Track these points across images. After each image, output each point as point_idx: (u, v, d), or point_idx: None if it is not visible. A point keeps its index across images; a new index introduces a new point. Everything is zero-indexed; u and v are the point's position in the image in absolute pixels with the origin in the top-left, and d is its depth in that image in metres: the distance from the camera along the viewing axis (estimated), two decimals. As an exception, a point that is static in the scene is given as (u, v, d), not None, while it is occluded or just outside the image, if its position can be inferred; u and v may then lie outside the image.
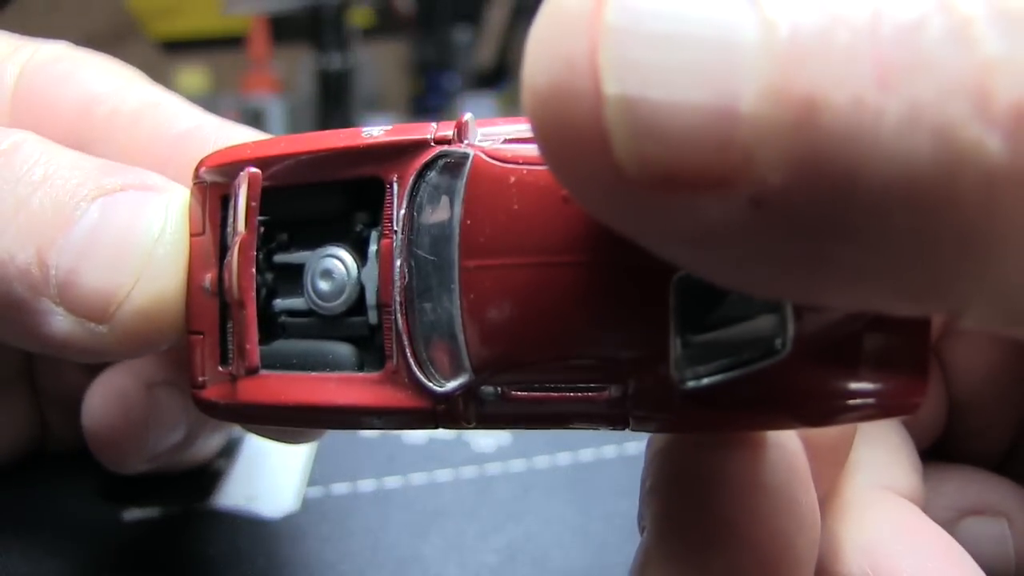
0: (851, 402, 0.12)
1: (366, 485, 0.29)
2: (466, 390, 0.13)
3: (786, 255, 0.10)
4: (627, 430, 0.13)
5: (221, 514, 0.27)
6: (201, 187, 0.16)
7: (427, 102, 0.99)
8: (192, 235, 0.17)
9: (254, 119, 0.96)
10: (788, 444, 0.14)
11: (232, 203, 0.15)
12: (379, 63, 1.09)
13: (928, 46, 0.09)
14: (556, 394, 0.13)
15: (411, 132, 0.14)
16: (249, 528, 0.26)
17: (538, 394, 0.13)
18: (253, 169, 0.15)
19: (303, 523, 0.27)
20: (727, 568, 0.14)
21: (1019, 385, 0.23)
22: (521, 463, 0.31)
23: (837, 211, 0.09)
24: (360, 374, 0.15)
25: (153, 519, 0.27)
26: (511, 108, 1.01)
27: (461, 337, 0.13)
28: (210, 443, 0.28)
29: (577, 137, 0.10)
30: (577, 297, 0.12)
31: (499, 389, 0.13)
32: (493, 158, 0.13)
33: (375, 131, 0.14)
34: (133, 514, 0.27)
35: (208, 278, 0.16)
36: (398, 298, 0.14)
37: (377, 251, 0.14)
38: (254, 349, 0.15)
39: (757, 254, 0.10)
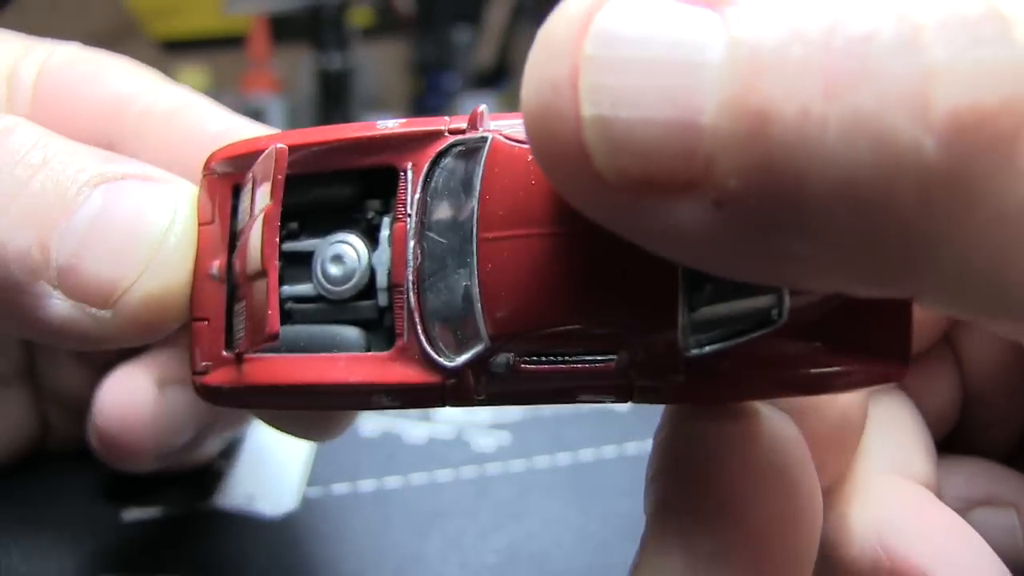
0: (839, 369, 0.13)
1: (366, 485, 0.29)
2: (477, 362, 0.14)
3: (749, 248, 0.11)
4: (631, 402, 0.14)
5: (221, 514, 0.27)
6: (212, 179, 0.17)
7: (427, 102, 0.99)
8: (201, 224, 0.17)
9: (254, 119, 0.96)
10: (785, 430, 0.15)
11: (249, 185, 0.16)
12: (379, 63, 1.09)
13: (876, 56, 0.10)
14: (564, 367, 0.14)
15: (426, 124, 0.15)
16: (249, 528, 0.26)
17: (547, 367, 0.14)
18: (280, 145, 0.15)
19: (303, 523, 0.27)
20: (721, 550, 0.14)
21: None
22: (521, 463, 0.31)
23: (788, 211, 0.10)
24: (369, 353, 0.15)
25: (153, 519, 0.27)
26: (511, 108, 1.01)
27: (478, 306, 0.14)
28: (218, 443, 0.28)
29: (564, 151, 0.11)
30: (591, 267, 0.13)
31: (510, 360, 0.14)
32: (511, 139, 0.14)
33: (390, 123, 0.15)
34: (133, 514, 0.27)
35: (216, 265, 0.16)
36: (411, 277, 0.14)
37: (390, 235, 0.15)
38: (275, 314, 0.14)
39: (725, 248, 0.11)
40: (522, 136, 0.14)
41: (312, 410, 0.17)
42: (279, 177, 0.15)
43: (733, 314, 0.13)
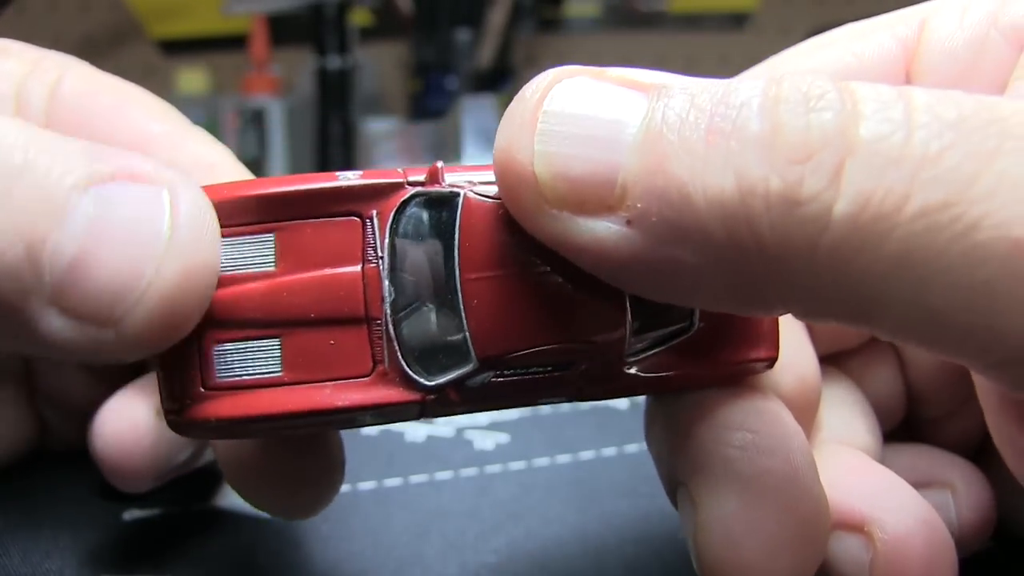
0: (741, 361, 0.18)
1: (366, 485, 0.29)
2: (459, 380, 0.16)
3: (653, 263, 0.14)
4: (580, 401, 0.18)
5: (221, 514, 0.27)
6: None
7: (427, 102, 0.99)
8: None
9: (254, 119, 0.96)
10: (771, 401, 0.18)
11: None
12: (379, 63, 1.09)
13: (744, 117, 0.14)
14: (528, 378, 0.17)
15: (384, 176, 0.17)
16: (249, 528, 0.26)
17: (515, 379, 0.17)
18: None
19: (303, 523, 0.27)
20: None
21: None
22: (521, 463, 0.31)
23: (679, 227, 0.14)
24: (351, 380, 0.17)
25: (153, 519, 0.27)
26: (511, 109, 1.01)
27: (467, 334, 0.16)
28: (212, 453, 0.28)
29: (519, 177, 0.15)
30: (558, 296, 0.16)
31: (486, 378, 0.17)
32: (481, 195, 0.17)
33: (349, 175, 0.17)
34: (133, 514, 0.27)
35: None
36: (388, 311, 0.16)
37: (363, 275, 0.17)
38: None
39: (635, 262, 0.14)
40: (489, 193, 0.16)
41: (304, 433, 0.18)
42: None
43: (662, 326, 0.17)
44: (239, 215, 0.16)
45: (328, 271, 0.16)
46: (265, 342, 0.16)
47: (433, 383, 0.16)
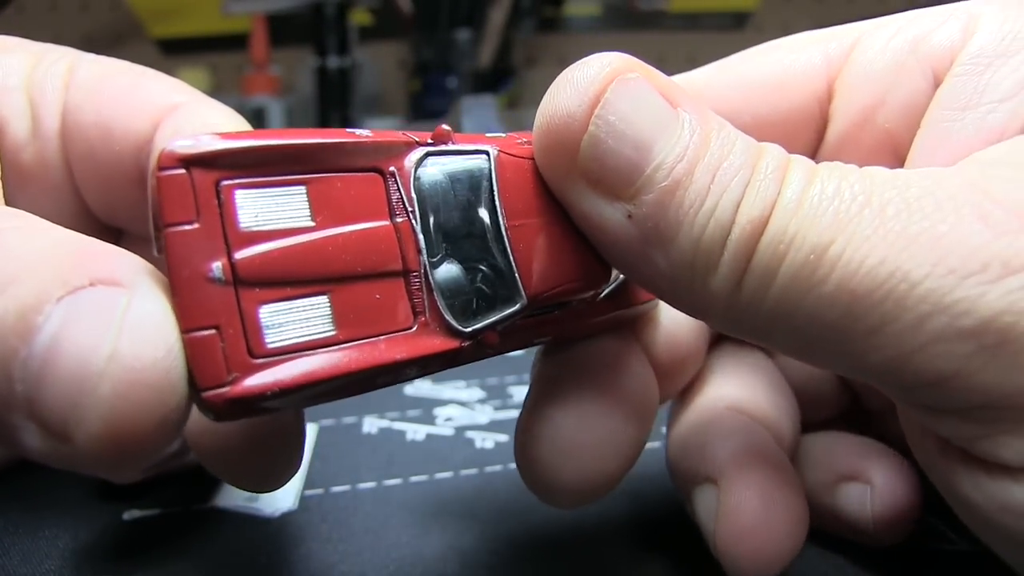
0: (645, 300, 0.23)
1: (366, 485, 0.29)
2: (501, 322, 0.17)
3: (636, 252, 0.17)
4: (553, 342, 0.22)
5: (221, 514, 0.27)
6: (180, 177, 0.15)
7: (427, 102, 0.99)
8: (176, 224, 0.15)
9: (254, 119, 0.96)
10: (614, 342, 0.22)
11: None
12: (379, 63, 1.09)
13: (708, 167, 0.17)
14: (539, 318, 0.19)
15: (392, 136, 0.17)
16: (249, 528, 0.26)
17: (530, 319, 0.18)
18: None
19: (303, 523, 0.27)
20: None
21: None
22: (521, 463, 0.31)
23: (662, 239, 0.17)
24: (398, 334, 0.16)
25: (153, 519, 0.27)
26: (510, 108, 1.01)
27: (517, 274, 0.18)
28: None
29: (565, 145, 0.17)
30: (578, 241, 0.19)
31: (517, 320, 0.18)
32: (511, 154, 0.18)
33: (361, 132, 0.17)
34: (133, 514, 0.27)
35: (218, 266, 0.15)
36: (426, 262, 0.17)
37: (395, 229, 0.17)
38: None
39: (625, 246, 0.17)
40: (516, 150, 0.18)
41: (350, 396, 0.17)
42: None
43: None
44: (265, 165, 0.15)
45: (366, 225, 0.16)
46: (313, 300, 0.16)
47: (471, 329, 0.17)
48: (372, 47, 1.05)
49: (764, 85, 0.23)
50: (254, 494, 0.28)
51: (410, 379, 0.17)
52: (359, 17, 0.99)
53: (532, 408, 0.21)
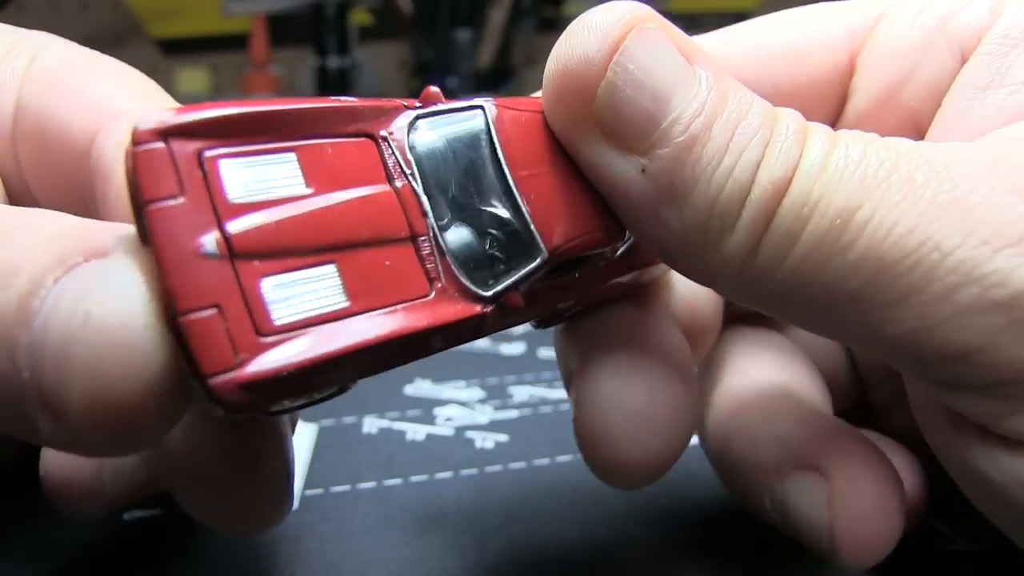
0: (653, 261, 0.21)
1: (366, 485, 0.29)
2: (522, 281, 0.16)
3: (647, 208, 0.17)
4: (574, 308, 0.20)
5: (221, 514, 0.27)
6: (158, 151, 0.14)
7: (427, 102, 0.99)
8: (157, 200, 0.13)
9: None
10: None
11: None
12: (379, 63, 1.09)
13: (728, 124, 0.16)
14: (559, 280, 0.18)
15: (378, 101, 0.16)
16: (249, 528, 0.26)
17: (549, 281, 0.18)
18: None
19: (303, 523, 0.27)
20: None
21: None
22: (521, 463, 0.31)
23: (677, 192, 0.16)
24: (411, 303, 0.15)
25: (153, 519, 0.27)
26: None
27: (532, 227, 0.17)
28: None
29: (580, 91, 0.17)
30: (589, 187, 0.18)
31: (540, 278, 0.17)
32: (509, 107, 0.17)
33: (346, 97, 0.16)
34: (133, 514, 0.27)
35: (209, 239, 0.13)
36: (434, 226, 0.16)
37: (396, 194, 0.16)
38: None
39: (637, 202, 0.17)
40: (517, 103, 0.17)
41: (371, 374, 0.16)
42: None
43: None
44: (249, 134, 0.14)
45: (365, 191, 0.15)
46: (320, 269, 0.14)
47: (492, 292, 0.16)
48: (372, 47, 1.05)
49: (782, 55, 0.22)
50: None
51: (436, 351, 0.16)
52: (359, 17, 0.99)
53: (588, 383, 0.20)
